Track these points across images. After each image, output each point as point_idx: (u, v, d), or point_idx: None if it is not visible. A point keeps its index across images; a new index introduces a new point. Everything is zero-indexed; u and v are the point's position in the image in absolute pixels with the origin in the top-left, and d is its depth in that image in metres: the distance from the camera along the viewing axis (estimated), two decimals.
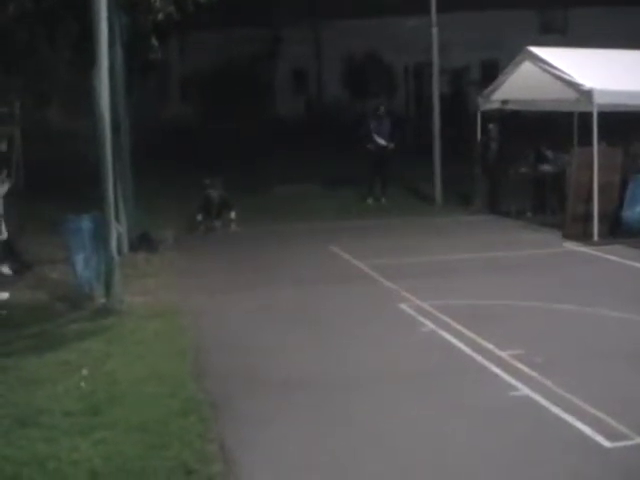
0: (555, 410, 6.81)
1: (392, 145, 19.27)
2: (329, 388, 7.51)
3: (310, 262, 13.15)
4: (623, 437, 6.25)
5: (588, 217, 14.19)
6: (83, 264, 10.31)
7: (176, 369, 7.94)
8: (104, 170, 10.05)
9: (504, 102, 17.33)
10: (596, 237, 14.06)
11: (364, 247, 13.97)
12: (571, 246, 13.90)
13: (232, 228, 15.55)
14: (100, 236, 10.14)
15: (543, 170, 16.85)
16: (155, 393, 7.27)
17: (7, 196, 11.86)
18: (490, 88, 18.07)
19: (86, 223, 10.33)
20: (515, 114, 17.77)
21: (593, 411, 6.70)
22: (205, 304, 10.59)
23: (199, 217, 15.58)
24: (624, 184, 14.57)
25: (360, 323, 9.65)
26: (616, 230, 14.33)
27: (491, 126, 17.84)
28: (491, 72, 24.83)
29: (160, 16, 13.90)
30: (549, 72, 15.23)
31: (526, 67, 16.26)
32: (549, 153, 16.94)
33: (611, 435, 6.27)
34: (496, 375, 7.72)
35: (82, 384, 7.47)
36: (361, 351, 8.61)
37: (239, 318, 10.00)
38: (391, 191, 19.39)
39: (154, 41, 14.45)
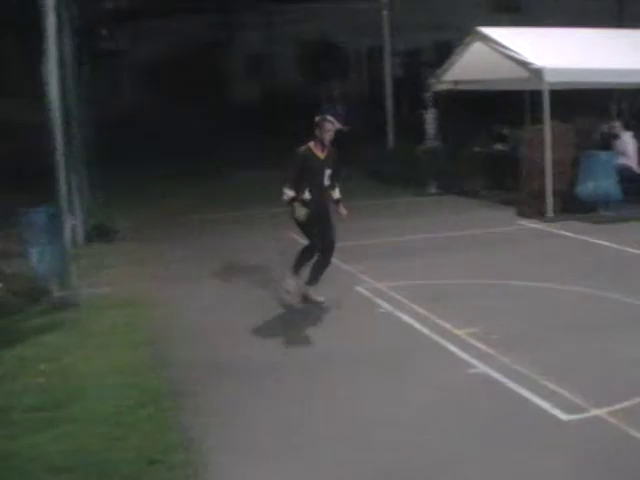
0: (512, 386, 6.91)
1: (346, 128, 19.26)
2: (292, 372, 7.54)
3: (270, 248, 13.11)
4: (580, 410, 6.36)
5: (542, 194, 14.33)
6: (38, 257, 10.24)
7: (136, 360, 7.92)
8: (56, 162, 9.98)
9: (456, 82, 17.41)
10: (550, 213, 14.22)
11: None
12: (526, 223, 14.05)
13: (341, 211, 10.30)
14: (54, 229, 10.07)
15: (497, 149, 16.97)
16: (115, 385, 7.24)
17: None
18: (441, 69, 18.13)
19: (40, 216, 10.25)
20: (468, 94, 17.84)
21: (550, 385, 6.81)
22: (164, 294, 10.53)
23: (289, 193, 9.74)
24: (577, 160, 14.72)
25: (318, 306, 9.68)
26: (570, 206, 14.48)
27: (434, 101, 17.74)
28: (445, 53, 24.82)
29: (109, 4, 13.81)
30: (500, 52, 15.32)
31: (477, 47, 16.35)
32: (506, 131, 17.05)
33: (568, 408, 6.38)
34: (453, 353, 7.81)
35: (41, 379, 7.43)
36: (319, 334, 8.66)
37: (198, 307, 9.97)
38: (345, 174, 19.34)
39: (104, 30, 14.35)
